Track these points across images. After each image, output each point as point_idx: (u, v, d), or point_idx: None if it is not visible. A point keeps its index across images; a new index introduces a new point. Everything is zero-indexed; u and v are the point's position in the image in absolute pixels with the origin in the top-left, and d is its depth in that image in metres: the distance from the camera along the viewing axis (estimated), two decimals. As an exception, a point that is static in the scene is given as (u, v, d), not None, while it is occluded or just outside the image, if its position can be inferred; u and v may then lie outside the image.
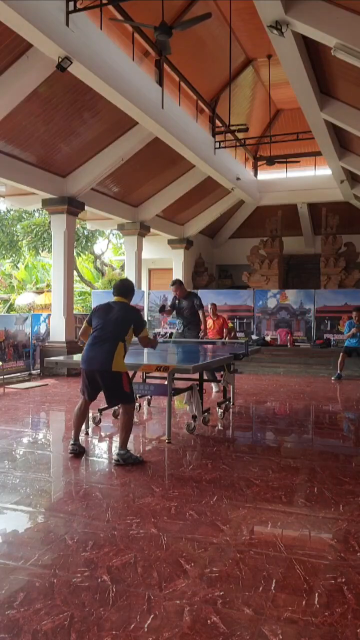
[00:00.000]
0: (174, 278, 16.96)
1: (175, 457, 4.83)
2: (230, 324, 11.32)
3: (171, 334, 9.45)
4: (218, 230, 19.45)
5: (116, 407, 6.53)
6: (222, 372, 6.70)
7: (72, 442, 4.82)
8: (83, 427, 5.81)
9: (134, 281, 14.44)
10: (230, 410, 7.03)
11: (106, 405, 6.43)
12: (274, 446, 5.50)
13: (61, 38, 6.52)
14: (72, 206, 11.00)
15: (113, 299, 4.92)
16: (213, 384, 8.18)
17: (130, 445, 5.43)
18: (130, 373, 6.63)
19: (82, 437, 5.60)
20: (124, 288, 4.93)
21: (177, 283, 8.09)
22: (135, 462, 4.47)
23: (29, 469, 4.45)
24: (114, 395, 4.69)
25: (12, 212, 19.03)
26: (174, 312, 8.19)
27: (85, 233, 19.35)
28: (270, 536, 3.16)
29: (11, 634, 2.20)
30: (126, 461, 4.45)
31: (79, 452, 4.75)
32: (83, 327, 4.95)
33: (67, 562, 2.81)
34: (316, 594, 2.51)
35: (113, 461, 4.50)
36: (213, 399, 7.76)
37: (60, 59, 6.69)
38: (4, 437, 5.45)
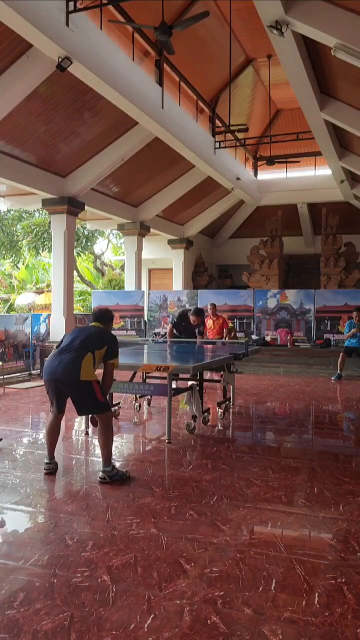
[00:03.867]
0: (172, 277, 17.03)
1: (175, 457, 4.82)
2: (230, 324, 11.32)
3: None
4: (218, 230, 19.45)
5: (116, 407, 6.54)
6: (222, 372, 6.69)
7: (46, 460, 4.36)
8: (84, 427, 5.82)
9: (134, 281, 14.55)
10: (230, 410, 7.02)
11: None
12: (274, 446, 5.50)
13: (61, 38, 6.53)
14: (72, 206, 11.01)
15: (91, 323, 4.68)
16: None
17: (130, 445, 5.44)
18: (130, 373, 6.69)
19: (82, 437, 5.61)
20: (103, 316, 4.69)
21: (201, 315, 7.87)
22: (121, 479, 4.10)
23: (29, 469, 4.45)
24: (86, 407, 4.26)
25: (12, 212, 19.03)
26: (175, 326, 8.13)
27: (85, 233, 19.36)
28: (270, 536, 3.16)
29: (11, 634, 2.20)
30: (112, 478, 4.06)
31: (54, 470, 4.31)
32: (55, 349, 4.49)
33: (67, 562, 2.80)
34: (316, 594, 2.51)
35: (98, 479, 4.08)
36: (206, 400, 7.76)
37: (60, 59, 6.70)
38: (4, 437, 5.44)
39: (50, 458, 4.36)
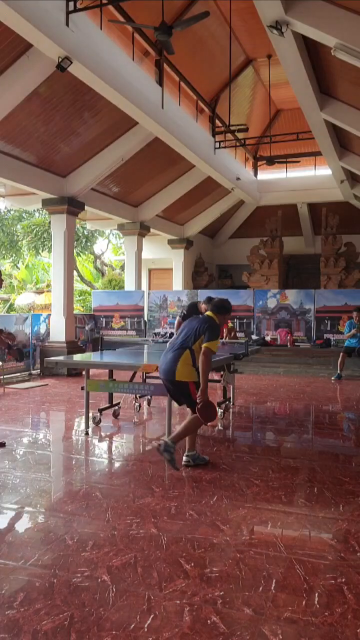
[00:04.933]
0: (172, 277, 17.02)
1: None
2: (230, 324, 11.32)
3: (171, 334, 9.43)
4: (218, 230, 19.45)
5: (116, 407, 6.55)
6: (222, 372, 6.69)
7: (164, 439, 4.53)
8: (84, 427, 5.82)
9: (133, 281, 14.54)
10: (230, 410, 7.03)
11: (106, 405, 6.46)
12: (274, 446, 5.50)
13: (61, 38, 6.52)
14: (72, 206, 11.00)
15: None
16: None
17: (130, 445, 5.44)
18: (130, 373, 6.69)
19: (82, 437, 5.61)
20: (219, 306, 4.67)
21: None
22: (204, 463, 4.49)
23: (29, 469, 4.45)
24: (184, 402, 4.56)
25: (12, 212, 19.03)
26: (184, 319, 8.04)
27: (85, 233, 19.35)
28: (270, 536, 3.16)
29: (11, 634, 2.20)
30: (195, 462, 4.46)
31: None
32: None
33: (67, 562, 2.81)
34: (316, 594, 2.51)
35: (183, 464, 4.44)
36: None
37: (60, 59, 6.69)
38: (4, 437, 5.44)
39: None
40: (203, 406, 4.21)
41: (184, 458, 4.50)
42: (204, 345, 4.30)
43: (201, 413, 4.21)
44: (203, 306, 7.76)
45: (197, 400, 4.24)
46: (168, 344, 4.65)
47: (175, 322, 8.35)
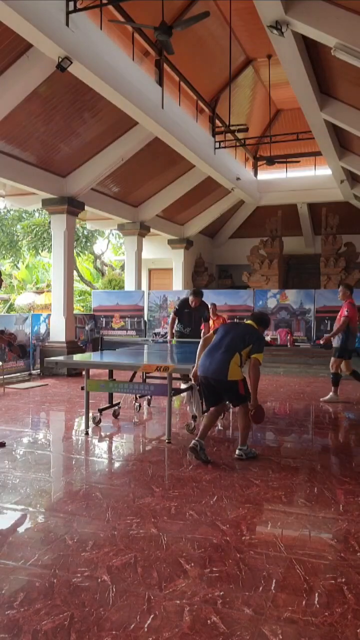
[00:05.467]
0: (172, 277, 17.03)
1: (175, 457, 4.82)
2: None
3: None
4: (218, 230, 19.45)
5: (116, 407, 6.55)
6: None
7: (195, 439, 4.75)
8: (84, 427, 5.83)
9: (134, 281, 14.54)
10: (230, 410, 7.02)
11: (106, 405, 6.46)
12: (274, 446, 5.50)
13: (61, 38, 6.52)
14: (72, 206, 11.00)
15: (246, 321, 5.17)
16: None
17: (130, 445, 5.44)
18: (130, 373, 6.69)
19: (82, 437, 5.61)
20: (260, 319, 5.12)
21: (199, 295, 7.83)
22: (254, 456, 4.76)
23: (29, 469, 4.45)
24: (231, 400, 4.89)
25: (12, 212, 19.03)
26: (177, 314, 7.97)
27: (85, 233, 19.35)
28: (270, 536, 3.16)
29: (11, 634, 2.20)
30: (247, 455, 4.72)
31: (236, 457, 4.78)
32: (209, 334, 5.11)
33: (67, 562, 2.81)
34: (316, 594, 2.51)
35: (236, 456, 4.71)
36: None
37: (60, 59, 6.69)
38: (4, 437, 5.44)
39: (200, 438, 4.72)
40: (257, 411, 4.67)
41: (237, 451, 4.76)
42: (253, 356, 4.70)
43: (254, 417, 4.69)
44: (191, 298, 7.74)
45: (250, 407, 4.67)
46: (210, 345, 4.85)
47: (170, 318, 8.28)
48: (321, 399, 7.79)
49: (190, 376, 5.02)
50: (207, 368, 4.70)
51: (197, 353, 4.97)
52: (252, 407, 4.66)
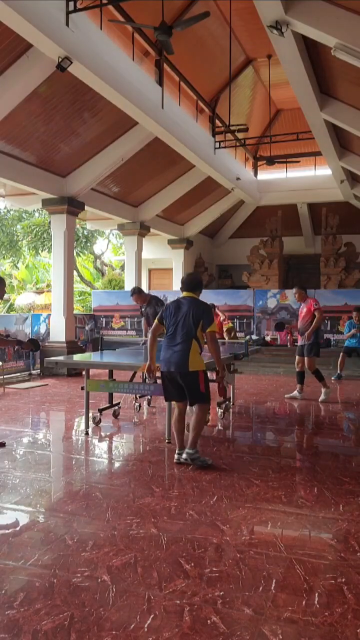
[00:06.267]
0: (172, 277, 17.03)
1: (200, 456, 4.81)
2: (230, 324, 11.32)
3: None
4: (218, 230, 19.45)
5: (116, 407, 6.55)
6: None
7: (177, 450, 4.62)
8: (84, 427, 5.83)
9: (133, 281, 14.53)
10: (230, 410, 7.03)
11: (106, 405, 6.46)
12: (274, 446, 5.50)
13: (61, 38, 6.52)
14: (72, 206, 11.00)
15: (181, 294, 4.76)
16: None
17: (130, 445, 5.44)
18: (130, 373, 6.69)
19: (82, 437, 5.61)
20: (194, 283, 4.76)
21: (135, 292, 7.39)
22: (202, 464, 4.44)
23: (29, 469, 4.45)
24: (193, 397, 4.57)
25: (12, 212, 19.02)
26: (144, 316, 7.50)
27: (85, 233, 19.34)
28: (270, 536, 3.16)
29: (11, 634, 2.20)
30: (194, 461, 4.45)
31: (183, 461, 4.51)
32: (155, 324, 4.78)
33: (67, 562, 2.81)
34: (316, 594, 2.51)
35: (182, 459, 4.48)
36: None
37: (60, 59, 6.69)
38: (4, 437, 5.44)
39: (180, 447, 4.60)
40: (223, 385, 4.64)
41: (184, 454, 4.50)
42: (208, 330, 4.49)
43: (221, 390, 4.71)
44: (134, 297, 7.35)
45: (217, 379, 4.60)
46: (165, 338, 4.63)
47: (142, 321, 7.90)
48: (319, 400, 7.78)
49: (145, 371, 4.81)
50: (169, 361, 4.52)
51: (148, 346, 4.78)
52: (220, 379, 4.61)
